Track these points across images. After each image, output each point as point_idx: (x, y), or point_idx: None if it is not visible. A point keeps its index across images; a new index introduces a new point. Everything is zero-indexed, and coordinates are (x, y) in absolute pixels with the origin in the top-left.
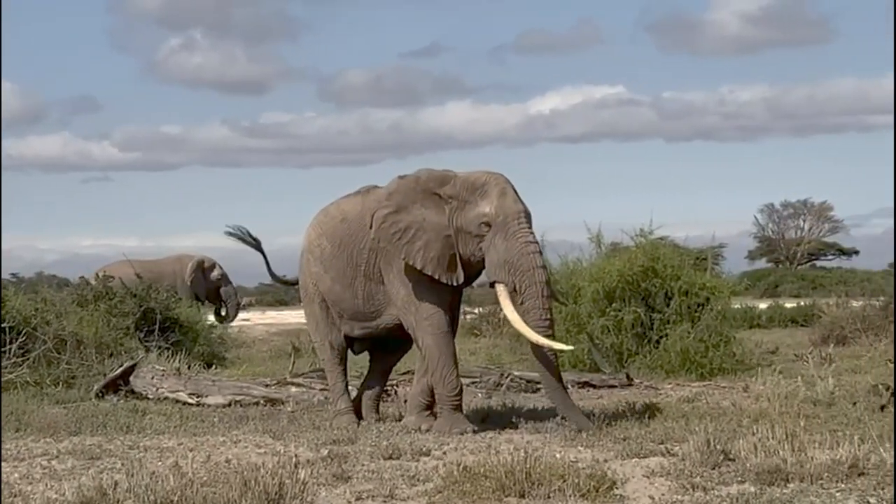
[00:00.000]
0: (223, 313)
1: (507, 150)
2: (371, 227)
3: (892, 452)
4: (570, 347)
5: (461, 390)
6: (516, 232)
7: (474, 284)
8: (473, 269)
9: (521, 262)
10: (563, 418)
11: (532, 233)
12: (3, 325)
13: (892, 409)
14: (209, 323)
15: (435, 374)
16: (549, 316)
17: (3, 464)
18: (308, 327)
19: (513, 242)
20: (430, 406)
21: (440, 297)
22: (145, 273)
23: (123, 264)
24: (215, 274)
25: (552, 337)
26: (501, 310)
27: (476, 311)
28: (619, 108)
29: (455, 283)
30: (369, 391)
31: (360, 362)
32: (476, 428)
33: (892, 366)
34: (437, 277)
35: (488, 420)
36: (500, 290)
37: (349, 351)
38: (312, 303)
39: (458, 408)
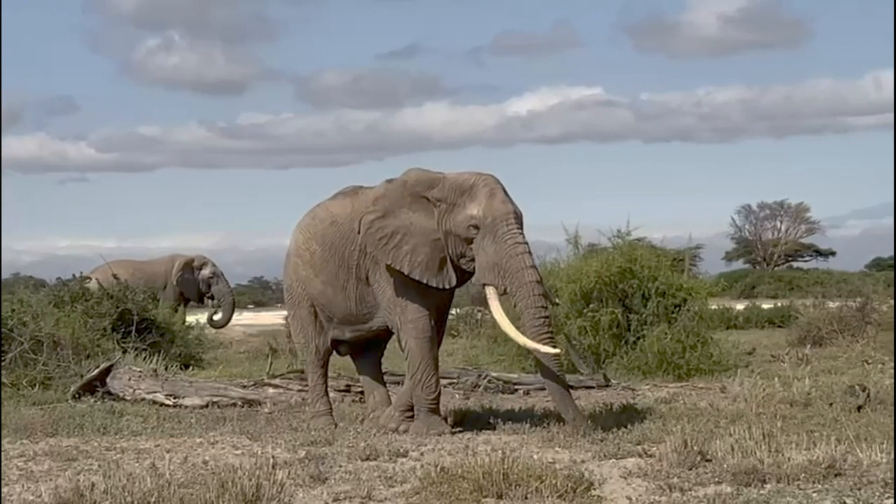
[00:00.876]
0: (216, 318)
1: (485, 151)
2: (359, 232)
3: (893, 451)
4: (558, 350)
5: (439, 394)
6: (505, 234)
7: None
8: (464, 271)
9: (511, 263)
10: (559, 417)
11: (521, 233)
12: None
13: (893, 409)
14: (188, 324)
15: (415, 376)
16: (544, 315)
17: None
18: (291, 329)
19: (501, 244)
20: (412, 407)
21: (426, 300)
22: (138, 273)
23: (118, 265)
24: (206, 272)
25: (552, 336)
26: (489, 312)
27: (453, 311)
28: (597, 110)
29: (445, 287)
30: (377, 394)
31: (338, 362)
32: (452, 429)
33: (867, 366)
34: (425, 282)
35: (466, 421)
36: (490, 292)
37: (336, 353)
38: (299, 306)
39: (436, 410)
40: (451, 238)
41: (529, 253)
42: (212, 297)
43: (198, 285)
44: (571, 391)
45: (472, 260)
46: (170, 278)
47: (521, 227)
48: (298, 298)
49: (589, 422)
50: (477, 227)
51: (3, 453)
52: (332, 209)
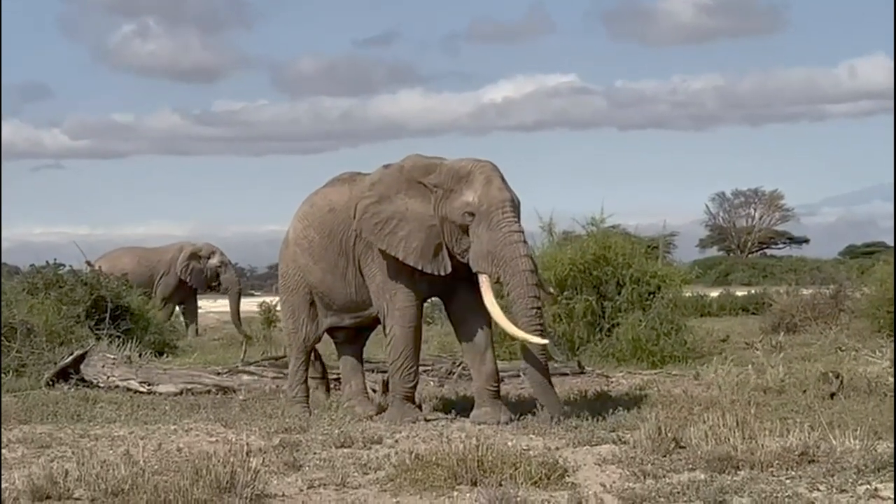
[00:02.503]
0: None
1: (460, 138)
2: (354, 217)
3: (893, 449)
4: (546, 341)
5: (416, 384)
6: (500, 221)
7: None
8: (461, 258)
9: (505, 252)
10: (538, 403)
11: (517, 222)
12: None
13: (893, 405)
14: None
15: (395, 363)
16: (536, 305)
17: None
18: (282, 314)
19: (496, 232)
20: (497, 394)
21: (416, 289)
22: (144, 261)
23: (125, 252)
24: (214, 262)
25: (544, 327)
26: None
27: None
28: (572, 97)
29: (441, 273)
30: (354, 383)
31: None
32: (426, 417)
33: (841, 354)
34: (420, 268)
35: (440, 408)
36: (483, 280)
37: (332, 339)
38: (292, 293)
39: (411, 398)
40: (447, 225)
41: (524, 242)
42: (219, 287)
43: (205, 274)
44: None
45: (467, 249)
46: (174, 266)
47: (518, 215)
48: (293, 285)
49: (566, 409)
50: (472, 215)
51: None
52: (330, 196)
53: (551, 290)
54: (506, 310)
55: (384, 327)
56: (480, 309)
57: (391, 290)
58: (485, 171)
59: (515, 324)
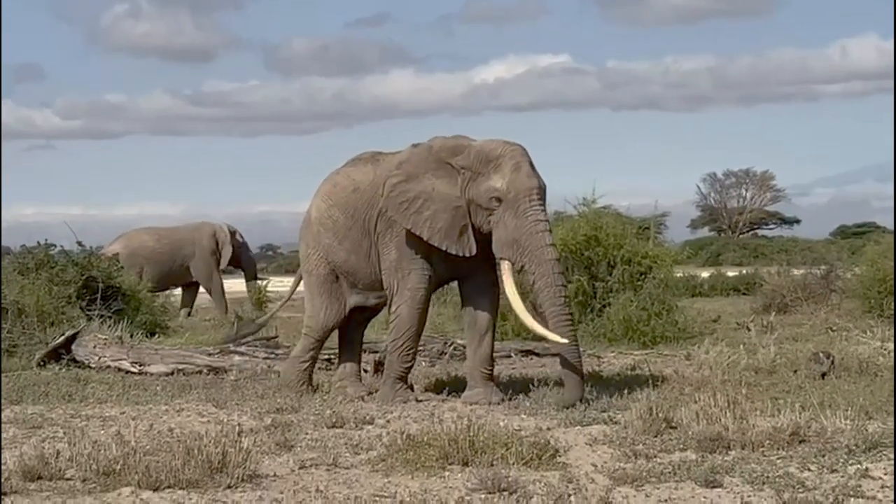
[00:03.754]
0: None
1: (453, 119)
2: (382, 195)
3: (891, 427)
4: (565, 341)
5: (412, 366)
6: (526, 210)
7: None
8: (485, 240)
9: (530, 241)
10: (525, 384)
11: (543, 210)
12: None
13: (893, 384)
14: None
15: (396, 342)
16: (563, 294)
17: None
18: (305, 295)
19: (522, 220)
20: (490, 376)
21: (431, 272)
22: (164, 241)
23: (144, 232)
24: (234, 242)
25: (572, 319)
26: (502, 287)
27: None
28: (565, 78)
29: (465, 254)
30: (349, 365)
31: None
32: (417, 398)
33: (832, 334)
34: (444, 248)
35: (431, 389)
36: (506, 267)
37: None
38: (314, 273)
39: (404, 379)
40: (473, 207)
41: (549, 231)
42: (238, 266)
43: (229, 252)
44: (538, 358)
45: (491, 232)
46: (198, 246)
47: (544, 202)
48: (314, 265)
49: (581, 401)
50: (499, 200)
51: None
52: (354, 176)
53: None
54: (523, 296)
55: (390, 305)
56: (490, 291)
57: (405, 269)
58: (514, 155)
59: (536, 314)
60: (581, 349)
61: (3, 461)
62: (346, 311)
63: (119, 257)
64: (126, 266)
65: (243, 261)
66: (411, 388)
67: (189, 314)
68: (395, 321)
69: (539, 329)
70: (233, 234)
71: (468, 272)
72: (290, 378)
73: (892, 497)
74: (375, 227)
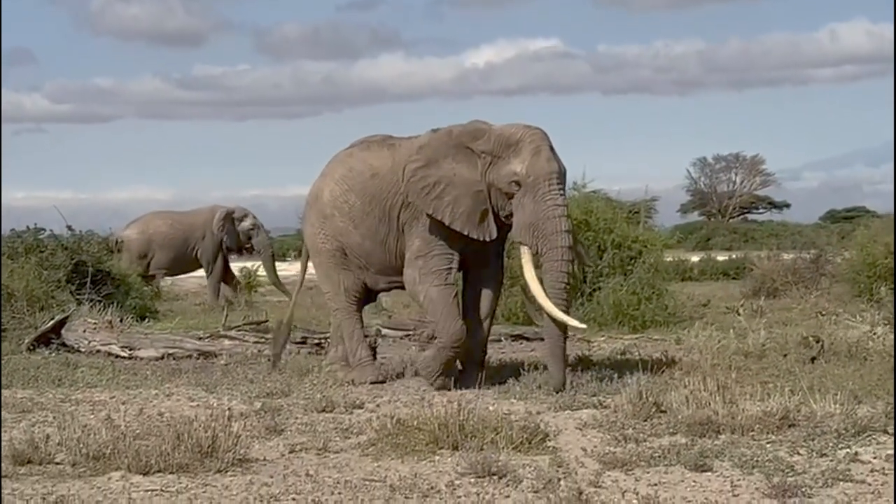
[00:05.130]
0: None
1: (443, 103)
2: (402, 181)
3: (893, 447)
4: (584, 326)
5: (462, 340)
6: (545, 194)
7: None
8: (506, 224)
9: (546, 225)
10: (515, 369)
11: (562, 195)
12: None
13: (893, 400)
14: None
15: (438, 322)
16: (566, 281)
17: None
18: (318, 279)
19: (540, 205)
20: (482, 362)
21: (451, 255)
22: (178, 225)
23: (157, 216)
24: (247, 224)
25: (569, 303)
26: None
27: None
28: (555, 62)
29: (487, 238)
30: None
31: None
32: (451, 385)
33: (822, 318)
34: (465, 233)
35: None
36: (524, 252)
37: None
38: (321, 253)
39: (454, 359)
40: (493, 191)
41: (567, 216)
42: (252, 249)
43: (238, 237)
44: (527, 342)
45: (511, 216)
46: (209, 229)
47: (563, 187)
48: (320, 246)
49: (564, 387)
50: (518, 184)
51: None
52: (372, 161)
53: (588, 261)
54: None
55: (414, 295)
56: (497, 279)
57: (428, 255)
58: (534, 139)
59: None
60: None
61: None
62: (360, 281)
63: (134, 242)
64: (141, 251)
65: (256, 243)
66: (482, 364)
67: (232, 298)
68: (428, 305)
69: (559, 314)
70: (242, 216)
71: (482, 258)
72: (367, 374)
73: (881, 481)
74: (399, 215)
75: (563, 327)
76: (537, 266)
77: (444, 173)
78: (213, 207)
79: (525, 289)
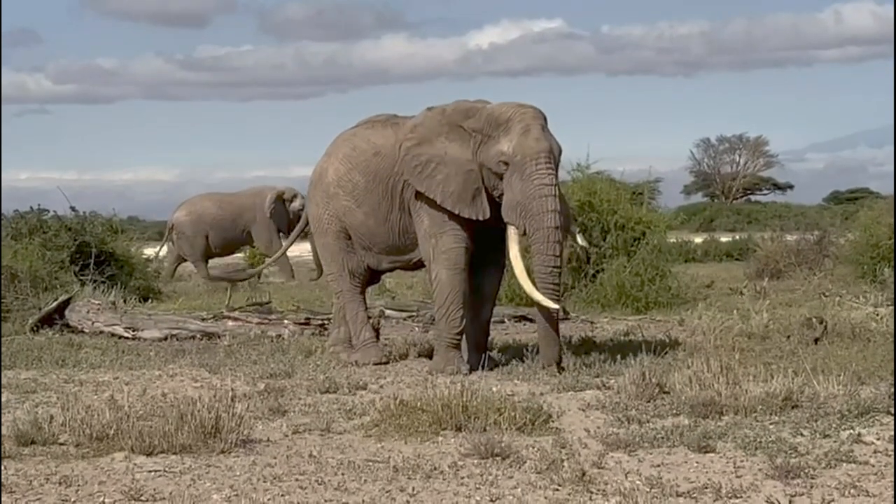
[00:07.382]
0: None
1: (447, 84)
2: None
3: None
4: (557, 306)
5: (463, 331)
6: (532, 173)
7: None
8: (499, 204)
9: (533, 205)
10: (518, 350)
11: (550, 174)
12: None
13: (893, 400)
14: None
15: (441, 309)
16: (554, 264)
17: None
18: (322, 260)
19: (527, 184)
20: (484, 343)
21: (462, 233)
22: (226, 206)
23: (205, 198)
24: (296, 205)
25: (558, 287)
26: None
27: None
28: (559, 43)
29: (479, 217)
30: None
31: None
32: (467, 369)
33: (825, 299)
34: (457, 212)
35: (425, 354)
36: (511, 232)
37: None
38: (326, 234)
39: (457, 346)
40: (485, 171)
41: (555, 196)
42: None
43: (288, 217)
44: (530, 323)
45: (502, 196)
46: (259, 211)
47: (553, 166)
48: (326, 227)
49: (561, 366)
50: (507, 164)
51: None
52: (375, 140)
53: (580, 240)
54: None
55: (429, 271)
56: (502, 262)
57: (438, 232)
58: (525, 118)
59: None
60: (574, 314)
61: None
62: (364, 264)
63: (184, 225)
64: (191, 233)
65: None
66: (489, 349)
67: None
68: (436, 287)
69: (535, 294)
70: (292, 197)
71: (488, 239)
72: (371, 355)
73: (884, 462)
74: (402, 192)
75: (553, 314)
76: (526, 248)
77: (435, 152)
78: (261, 188)
79: (527, 270)
